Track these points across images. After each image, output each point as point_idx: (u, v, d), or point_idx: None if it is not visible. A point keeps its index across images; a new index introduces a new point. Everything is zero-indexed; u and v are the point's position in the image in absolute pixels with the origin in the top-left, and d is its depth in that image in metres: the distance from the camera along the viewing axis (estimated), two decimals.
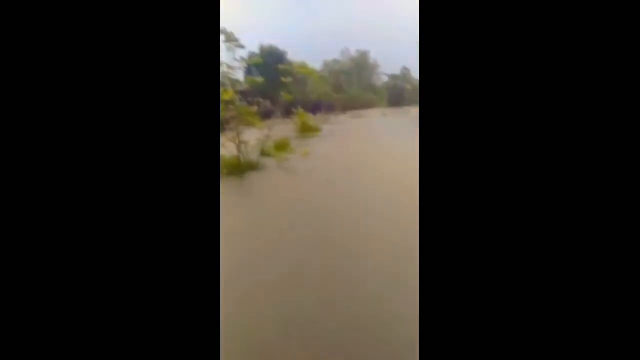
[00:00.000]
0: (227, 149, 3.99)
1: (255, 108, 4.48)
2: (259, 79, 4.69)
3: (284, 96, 6.56)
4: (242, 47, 4.16)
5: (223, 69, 4.25)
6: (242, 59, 4.40)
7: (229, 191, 3.22)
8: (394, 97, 20.49)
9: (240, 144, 4.00)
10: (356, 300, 1.33)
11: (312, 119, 8.57)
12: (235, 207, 2.71)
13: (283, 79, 5.97)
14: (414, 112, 11.94)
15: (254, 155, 4.12)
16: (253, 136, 4.65)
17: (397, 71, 22.66)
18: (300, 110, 8.18)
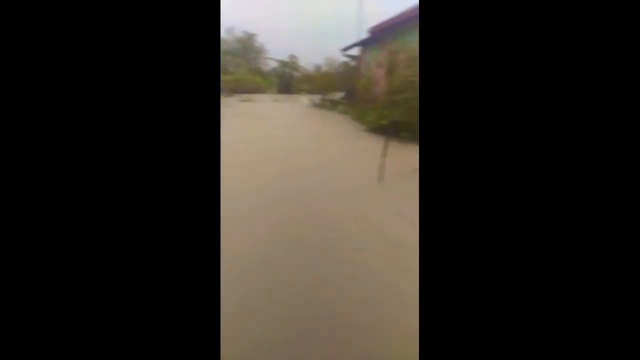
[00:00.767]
0: None
1: None
2: None
3: None
4: None
5: None
6: None
7: None
8: (283, 84, 20.76)
9: None
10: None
11: None
12: None
13: None
14: (303, 99, 12.43)
15: None
16: None
17: (285, 57, 22.94)
18: None
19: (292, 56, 23.66)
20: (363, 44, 11.56)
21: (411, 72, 5.71)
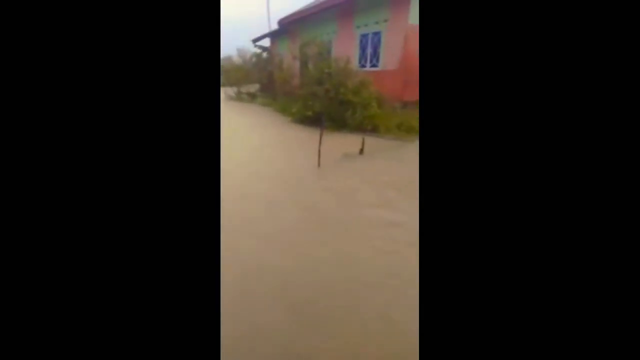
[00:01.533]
0: None
1: None
2: None
3: None
4: None
5: None
6: None
7: None
8: None
9: None
10: None
11: None
12: None
13: None
14: (229, 90, 11.90)
15: None
16: None
17: None
18: None
19: None
20: (273, 35, 11.61)
21: (326, 65, 6.17)
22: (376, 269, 1.73)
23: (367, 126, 5.20)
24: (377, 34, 7.23)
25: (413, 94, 6.83)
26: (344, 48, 7.87)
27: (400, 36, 6.71)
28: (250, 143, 4.84)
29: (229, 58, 12.35)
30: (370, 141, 4.39)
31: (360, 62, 7.61)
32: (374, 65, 7.32)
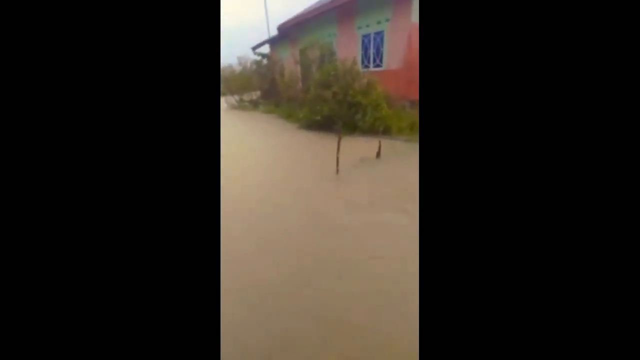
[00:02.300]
0: None
1: None
2: None
3: None
4: None
5: None
6: None
7: None
8: None
9: None
10: None
11: None
12: None
13: None
14: (231, 99, 11.94)
15: None
16: None
17: None
18: None
19: None
20: (273, 41, 11.57)
21: (332, 67, 6.09)
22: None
23: (378, 128, 5.10)
24: (379, 34, 7.15)
25: (418, 92, 6.72)
26: (346, 49, 7.80)
27: (403, 35, 6.63)
28: (261, 151, 4.75)
29: (229, 67, 12.32)
30: (384, 143, 4.29)
31: (363, 62, 7.53)
32: (377, 66, 7.24)
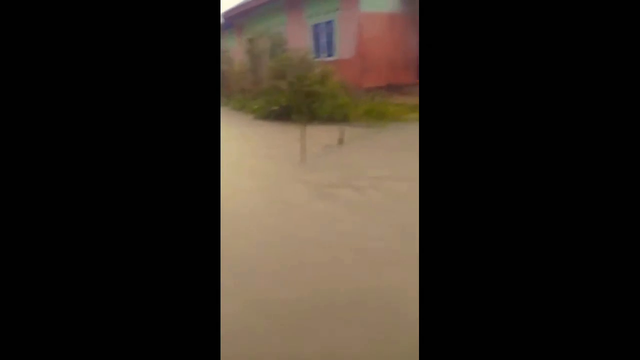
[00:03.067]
0: None
1: None
2: None
3: None
4: None
5: None
6: None
7: None
8: None
9: None
10: None
11: None
12: None
13: None
14: None
15: None
16: None
17: None
18: None
19: None
20: None
21: (285, 57, 6.00)
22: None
23: (337, 116, 5.17)
24: (329, 23, 7.19)
25: (372, 80, 6.95)
26: (297, 39, 7.70)
27: (353, 24, 6.74)
28: (225, 142, 4.52)
29: None
30: (346, 130, 4.37)
31: (315, 52, 7.52)
32: (329, 55, 7.29)
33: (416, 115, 5.11)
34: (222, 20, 9.84)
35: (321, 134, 4.42)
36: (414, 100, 5.96)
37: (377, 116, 5.13)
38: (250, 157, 3.81)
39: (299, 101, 5.40)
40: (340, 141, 3.98)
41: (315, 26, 7.48)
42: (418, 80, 7.00)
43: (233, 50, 9.70)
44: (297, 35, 7.80)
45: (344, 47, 6.97)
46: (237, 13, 9.16)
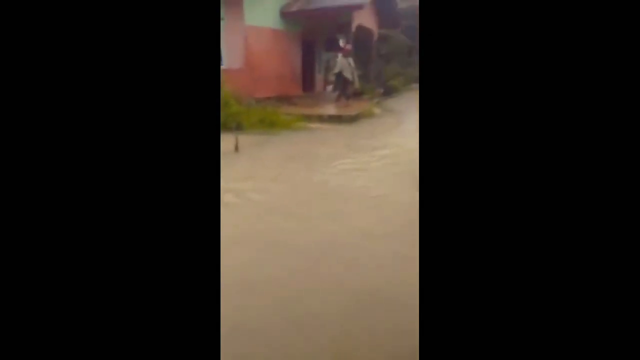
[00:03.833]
0: None
1: None
2: None
3: None
4: None
5: None
6: None
7: None
8: None
9: None
10: None
11: None
12: None
13: None
14: None
15: None
16: None
17: None
18: None
19: None
20: None
21: None
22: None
23: (230, 124, 5.24)
24: None
25: (263, 91, 7.27)
26: None
27: (240, 35, 6.93)
28: None
29: None
30: (240, 138, 4.53)
31: None
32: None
33: (304, 124, 5.69)
34: None
35: None
36: (302, 110, 6.58)
37: (269, 125, 5.46)
38: None
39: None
40: (236, 148, 4.12)
41: None
42: (303, 92, 7.61)
43: None
44: None
45: (232, 58, 7.07)
46: None
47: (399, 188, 2.80)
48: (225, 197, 2.60)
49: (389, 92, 9.40)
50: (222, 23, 6.95)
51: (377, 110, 7.08)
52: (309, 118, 6.03)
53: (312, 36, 9.97)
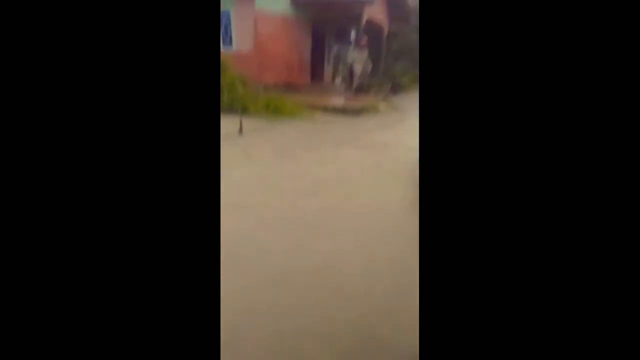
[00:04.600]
0: None
1: None
2: None
3: None
4: None
5: None
6: None
7: None
8: None
9: None
10: None
11: None
12: None
13: None
14: None
15: None
16: None
17: None
18: None
19: None
20: None
21: None
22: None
23: (236, 107, 5.26)
24: (225, 13, 7.09)
25: (270, 77, 7.24)
26: None
27: (249, 19, 6.87)
28: None
29: None
30: (245, 122, 4.56)
31: None
32: (228, 45, 7.20)
33: (309, 113, 5.71)
34: None
35: (221, 125, 4.45)
36: (309, 99, 6.58)
37: (274, 111, 5.47)
38: None
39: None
40: (240, 131, 4.15)
41: None
42: (310, 82, 7.54)
43: None
44: None
45: (242, 40, 7.03)
46: None
47: (382, 180, 2.88)
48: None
49: (397, 89, 9.37)
50: (232, 4, 6.90)
51: (382, 106, 7.08)
52: (313, 107, 6.03)
53: (323, 26, 9.89)
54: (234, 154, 3.34)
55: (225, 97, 5.26)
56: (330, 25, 10.44)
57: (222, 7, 7.00)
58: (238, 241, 1.80)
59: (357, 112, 6.13)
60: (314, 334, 1.22)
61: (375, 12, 9.09)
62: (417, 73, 12.34)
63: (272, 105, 5.55)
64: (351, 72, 7.49)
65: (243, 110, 5.31)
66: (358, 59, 7.19)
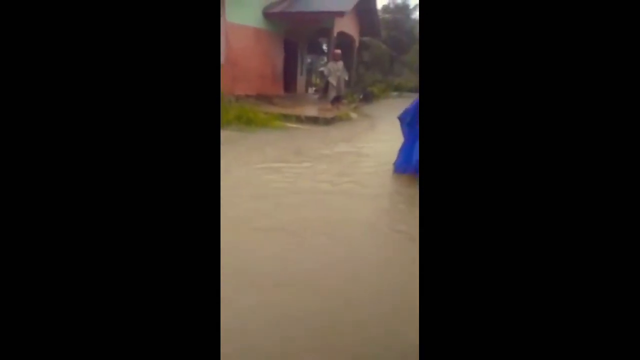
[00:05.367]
0: None
1: None
2: None
3: None
4: None
5: None
6: None
7: None
8: None
9: None
10: None
11: None
12: None
13: None
14: None
15: None
16: None
17: None
18: None
19: None
20: None
21: None
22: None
23: None
24: None
25: (243, 88, 7.29)
26: None
27: (221, 32, 6.92)
28: None
29: None
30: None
31: None
32: None
33: (281, 123, 5.78)
34: None
35: None
36: (282, 110, 6.67)
37: (246, 122, 5.50)
38: None
39: None
40: None
41: None
42: (284, 93, 7.68)
43: None
44: None
45: None
46: None
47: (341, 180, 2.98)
48: None
49: (368, 98, 9.66)
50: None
51: (354, 115, 7.28)
52: (286, 118, 6.11)
53: (295, 38, 10.09)
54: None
55: None
56: (302, 37, 10.67)
57: None
58: None
59: (329, 120, 6.27)
60: (312, 338, 1.20)
61: (346, 24, 9.41)
62: (389, 82, 12.87)
63: (244, 117, 5.57)
64: (326, 84, 7.67)
65: None
66: (334, 70, 7.38)
